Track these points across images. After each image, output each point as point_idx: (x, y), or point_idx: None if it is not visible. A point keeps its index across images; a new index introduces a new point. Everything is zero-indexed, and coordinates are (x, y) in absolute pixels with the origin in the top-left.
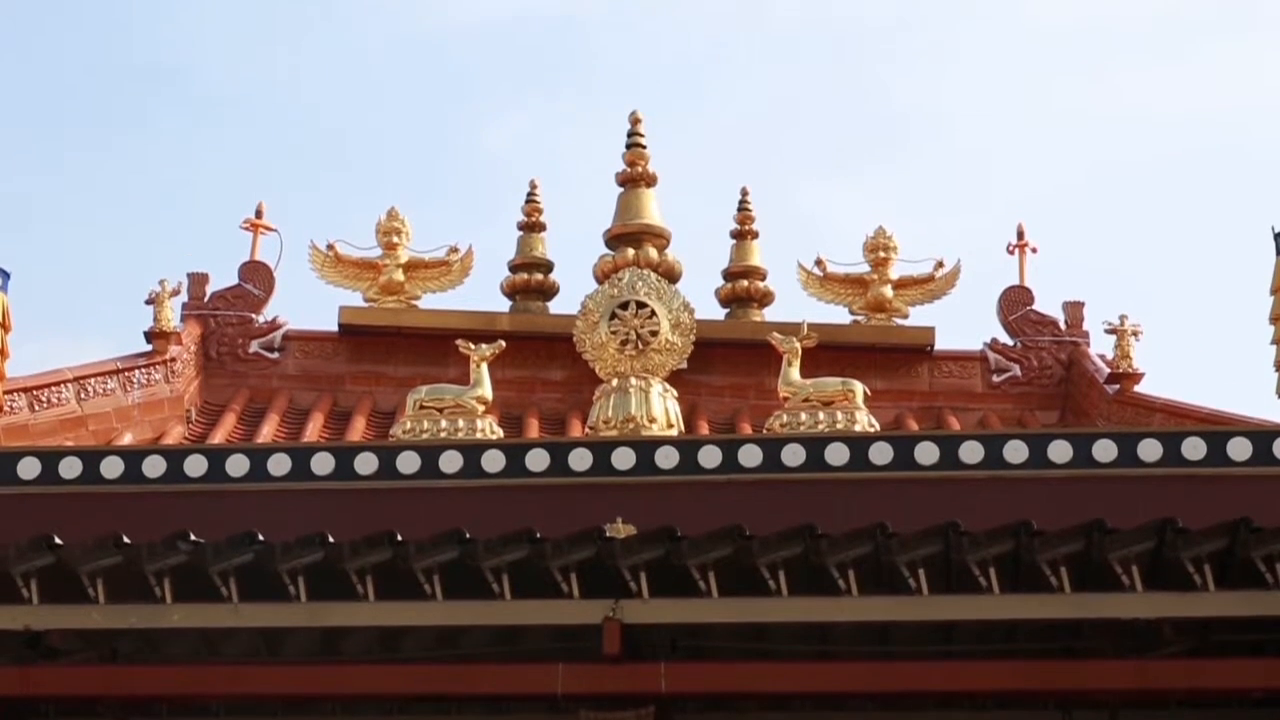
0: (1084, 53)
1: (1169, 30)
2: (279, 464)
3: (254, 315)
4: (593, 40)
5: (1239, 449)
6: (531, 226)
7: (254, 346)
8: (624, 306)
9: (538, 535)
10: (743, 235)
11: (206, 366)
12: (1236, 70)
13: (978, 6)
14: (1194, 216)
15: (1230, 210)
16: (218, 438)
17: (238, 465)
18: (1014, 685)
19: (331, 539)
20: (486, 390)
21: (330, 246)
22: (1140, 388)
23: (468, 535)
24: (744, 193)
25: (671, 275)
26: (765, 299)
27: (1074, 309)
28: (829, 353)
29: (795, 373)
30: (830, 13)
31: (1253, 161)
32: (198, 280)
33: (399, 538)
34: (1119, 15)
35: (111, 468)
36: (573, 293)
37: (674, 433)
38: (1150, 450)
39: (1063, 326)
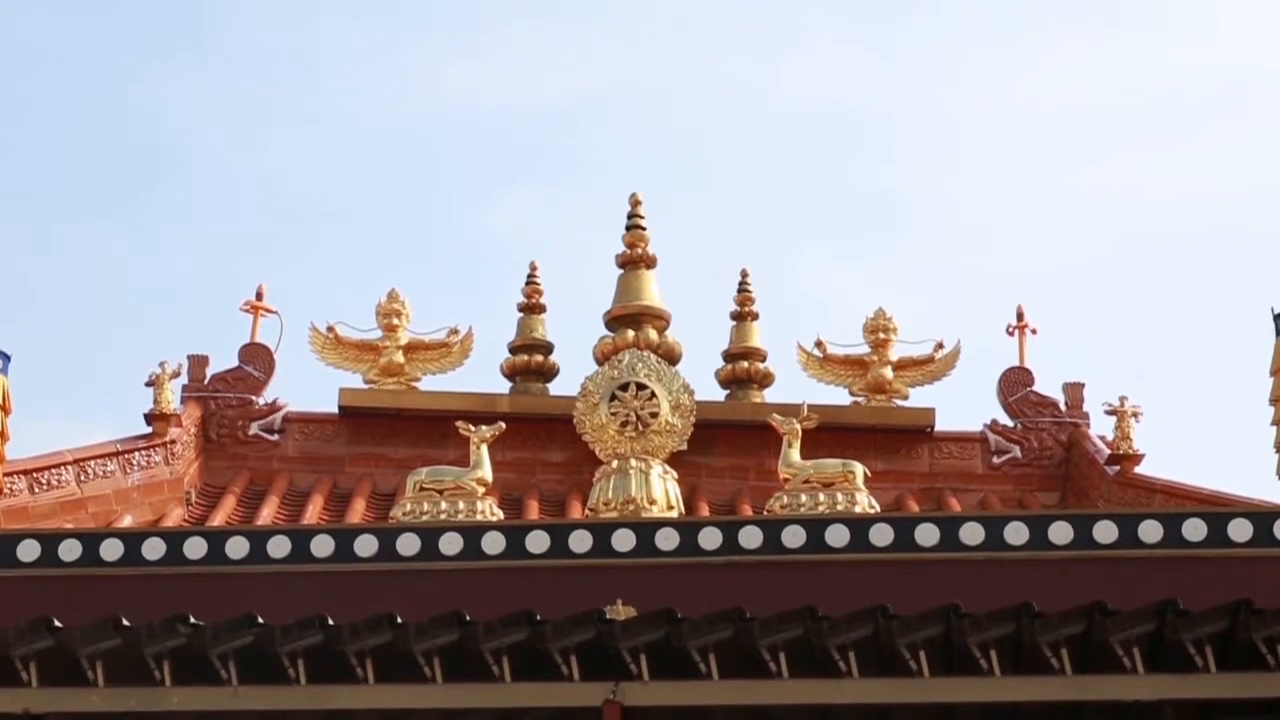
0: (1079, 137)
1: (1163, 114)
2: (279, 546)
3: (254, 397)
4: (593, 123)
5: (1240, 530)
6: (532, 308)
7: (254, 428)
8: (624, 388)
9: (538, 617)
10: (743, 317)
11: (206, 448)
12: (1232, 152)
13: (973, 92)
14: (1193, 297)
15: (1229, 291)
16: (218, 520)
17: (237, 547)
18: None
19: (331, 621)
20: (486, 472)
21: (330, 328)
22: (1141, 469)
23: (468, 617)
24: (744, 274)
25: (671, 357)
26: (765, 380)
27: (1074, 390)
28: (829, 434)
29: (795, 454)
30: (830, 97)
31: (1251, 243)
32: (198, 362)
33: (399, 620)
34: (1112, 101)
35: (111, 550)
36: (573, 374)
37: (674, 514)
38: (1151, 531)
39: (1063, 408)
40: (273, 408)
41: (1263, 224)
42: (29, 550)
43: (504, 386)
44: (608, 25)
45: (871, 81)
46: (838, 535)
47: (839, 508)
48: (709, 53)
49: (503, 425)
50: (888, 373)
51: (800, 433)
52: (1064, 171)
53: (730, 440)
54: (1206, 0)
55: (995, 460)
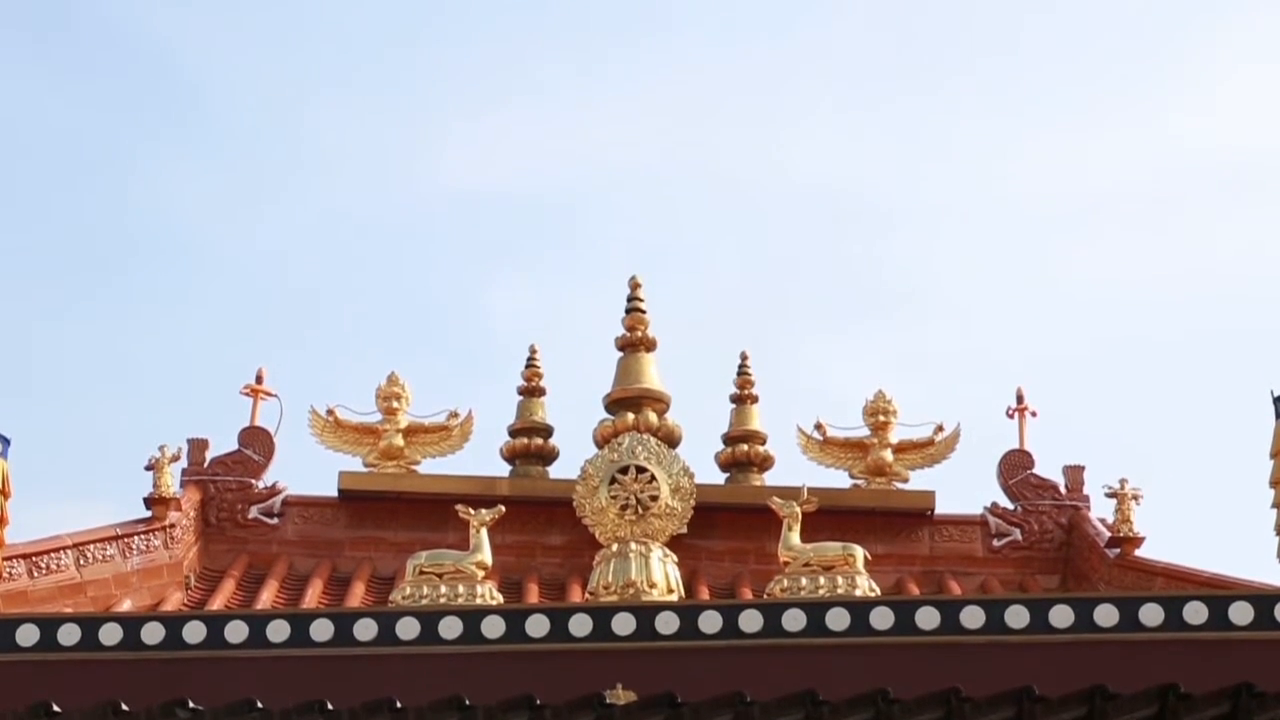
0: (1077, 219)
1: (1161, 197)
2: (278, 630)
3: (253, 481)
4: (591, 206)
5: (1241, 613)
6: (531, 391)
7: (253, 512)
8: (624, 471)
9: (538, 702)
10: (742, 400)
11: (206, 532)
12: (1231, 235)
13: (970, 174)
14: (1193, 379)
15: (1229, 373)
16: (217, 604)
17: (236, 631)
18: None
19: (331, 706)
20: (486, 555)
21: (330, 412)
22: (1141, 552)
23: (468, 702)
24: (743, 357)
25: (671, 440)
26: (765, 463)
27: (1074, 473)
28: (829, 517)
29: (795, 537)
30: (827, 179)
31: (1251, 325)
32: (197, 446)
33: (399, 704)
34: (1110, 184)
35: (110, 634)
36: (572, 457)
37: (674, 598)
38: (1152, 615)
39: (1063, 490)
40: (272, 491)
41: (1263, 306)
42: (28, 635)
43: (504, 470)
44: (603, 109)
45: (868, 164)
46: (838, 619)
47: (839, 591)
48: (706, 136)
49: (502, 509)
50: (888, 456)
51: (800, 516)
52: (1062, 253)
53: (730, 523)
54: (1204, 81)
55: (996, 543)
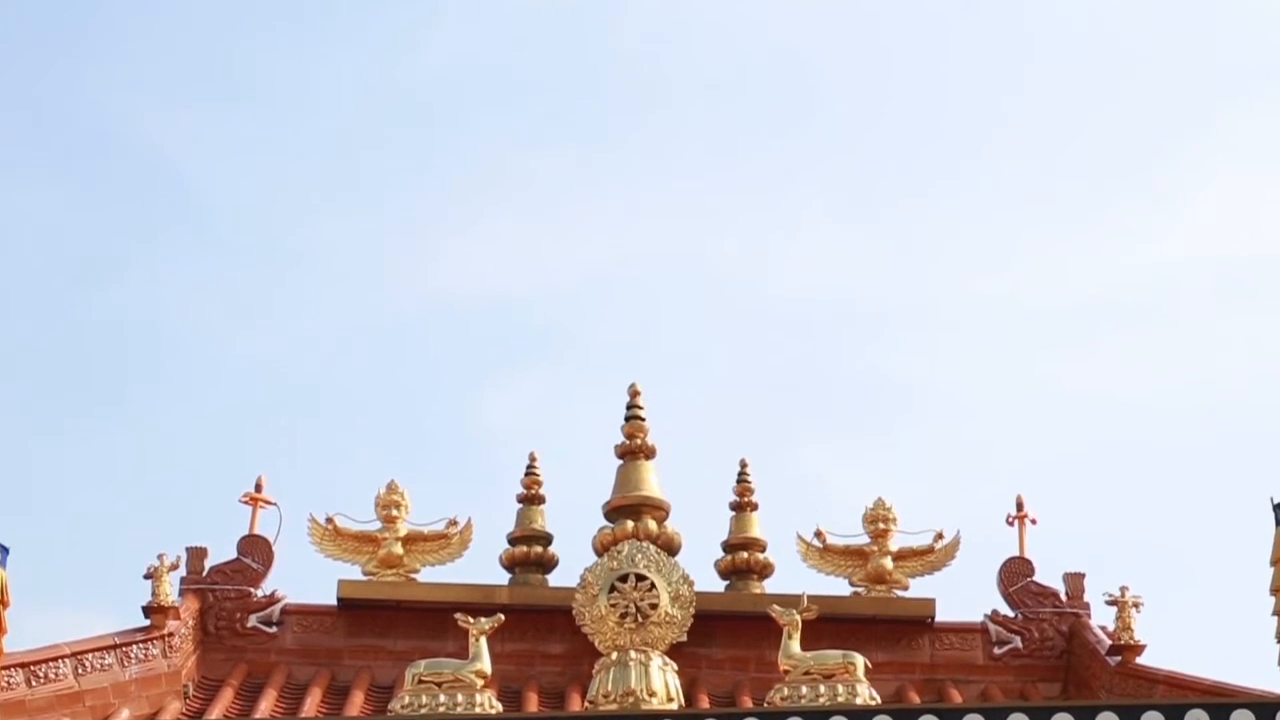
0: (1073, 325)
1: (1163, 304)
2: None
3: (252, 589)
4: (588, 311)
5: None
6: (531, 499)
7: (252, 621)
8: (623, 579)
9: None
10: (742, 507)
11: (204, 641)
12: (1226, 341)
13: (965, 280)
14: (1192, 486)
15: (1228, 480)
16: (215, 713)
17: None
18: None
19: None
20: (485, 664)
21: (329, 520)
22: (1142, 659)
23: None
24: (743, 464)
25: (671, 547)
26: (765, 570)
27: (1074, 580)
28: (829, 625)
29: (796, 645)
30: (823, 284)
31: (1249, 431)
32: (196, 554)
33: None
34: (1104, 290)
35: None
36: (572, 565)
37: (674, 707)
38: None
39: (1064, 598)
40: (271, 600)
41: (1260, 412)
42: None
43: (503, 578)
44: (597, 212)
45: (863, 270)
46: None
47: (840, 700)
48: (699, 240)
49: (502, 617)
50: (888, 563)
51: (800, 624)
52: (1059, 358)
53: (730, 631)
54: (1196, 189)
55: (996, 651)
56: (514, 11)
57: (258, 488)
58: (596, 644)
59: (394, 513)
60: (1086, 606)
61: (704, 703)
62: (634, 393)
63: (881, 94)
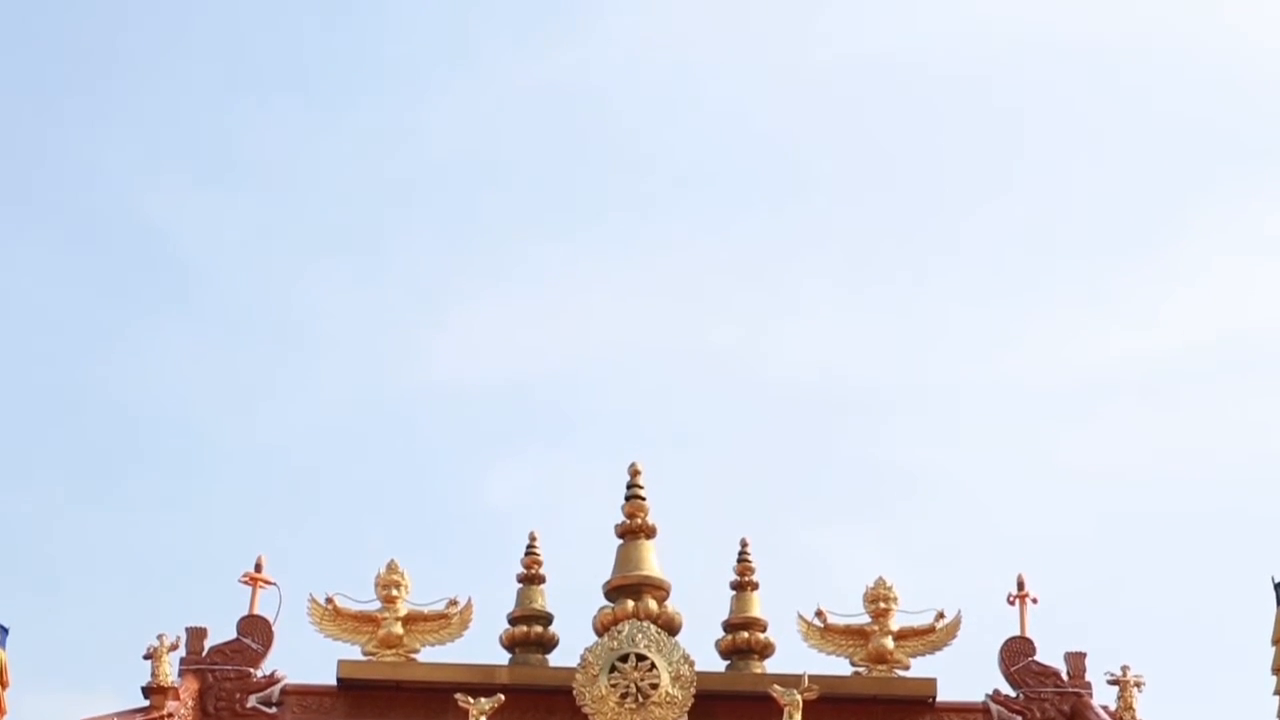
0: (1073, 404)
1: (1162, 383)
2: None
3: (252, 670)
4: (588, 390)
5: None
6: (531, 579)
7: (252, 701)
8: (624, 659)
9: None
10: (743, 586)
11: None
12: (1227, 419)
13: (966, 359)
14: (1193, 565)
15: (1229, 558)
16: None
17: None
18: None
19: None
20: None
21: (329, 600)
22: None
23: None
24: (743, 544)
25: (671, 627)
26: (766, 650)
27: (1076, 660)
28: (831, 705)
29: None
30: (824, 363)
31: (1250, 509)
32: (196, 634)
33: None
34: (1104, 369)
35: None
36: (572, 645)
37: None
38: None
39: (1065, 677)
40: (271, 680)
41: (1261, 489)
42: None
43: (504, 658)
44: (595, 290)
45: (864, 350)
46: None
47: None
48: (702, 319)
49: (502, 697)
50: (889, 642)
51: (802, 704)
52: (1060, 438)
53: (731, 711)
54: (1196, 267)
55: None
56: (508, 97)
57: (257, 567)
58: None
59: (394, 592)
60: (1088, 686)
61: None
62: (634, 472)
63: (876, 177)
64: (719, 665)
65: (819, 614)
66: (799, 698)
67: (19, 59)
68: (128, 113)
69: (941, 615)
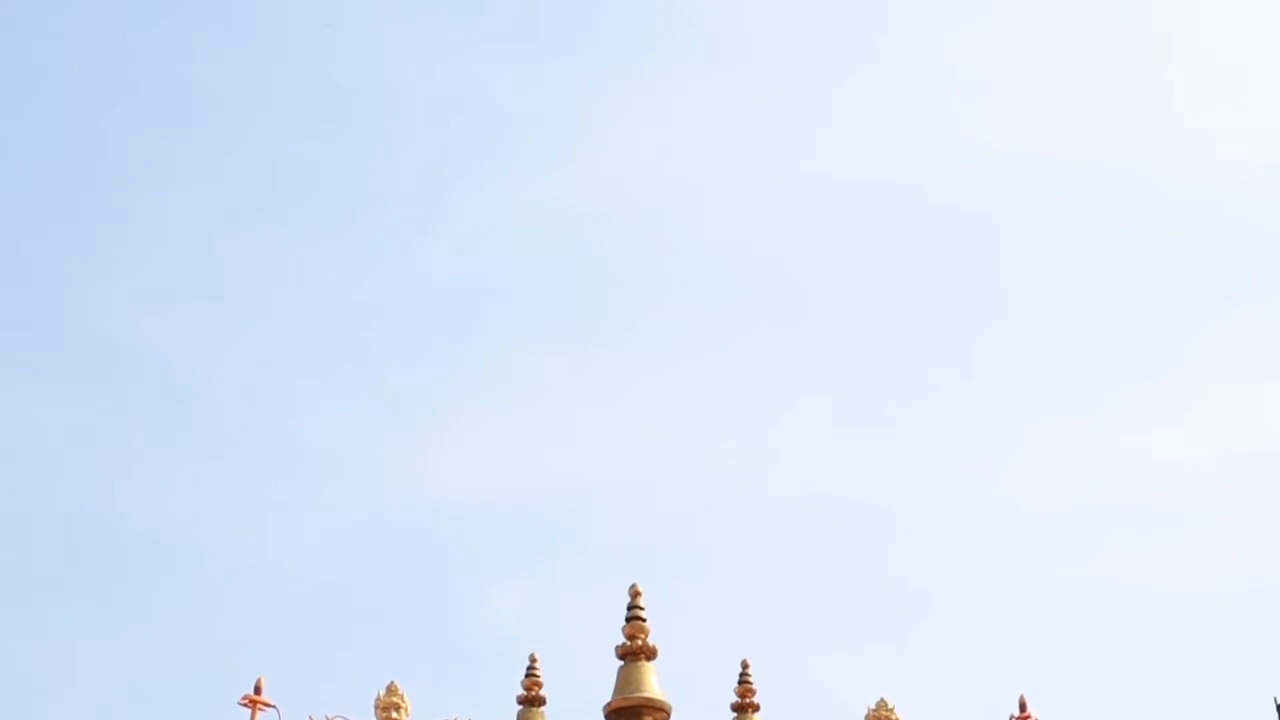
0: (1075, 524)
1: (1164, 504)
2: None
3: None
4: (589, 510)
5: None
6: (531, 700)
7: None
8: None
9: None
10: (744, 708)
11: None
12: (1228, 539)
13: (968, 487)
14: (1196, 683)
15: (1231, 677)
16: None
17: None
18: None
19: None
20: None
21: None
22: None
23: None
24: (744, 665)
25: None
26: None
27: None
28: None
29: None
30: (826, 484)
31: (1252, 628)
32: None
33: None
34: (1112, 494)
35: None
36: None
37: None
38: None
39: None
40: None
41: (1263, 609)
42: None
43: None
44: (597, 411)
45: (864, 468)
46: None
47: None
48: (702, 436)
49: None
50: None
51: None
52: (1062, 558)
53: None
54: (1197, 393)
55: None
56: (504, 216)
57: (257, 689)
58: None
59: (394, 714)
60: None
61: None
62: (635, 593)
63: (873, 298)
64: None
65: None
66: None
67: (9, 189)
68: (122, 238)
69: None
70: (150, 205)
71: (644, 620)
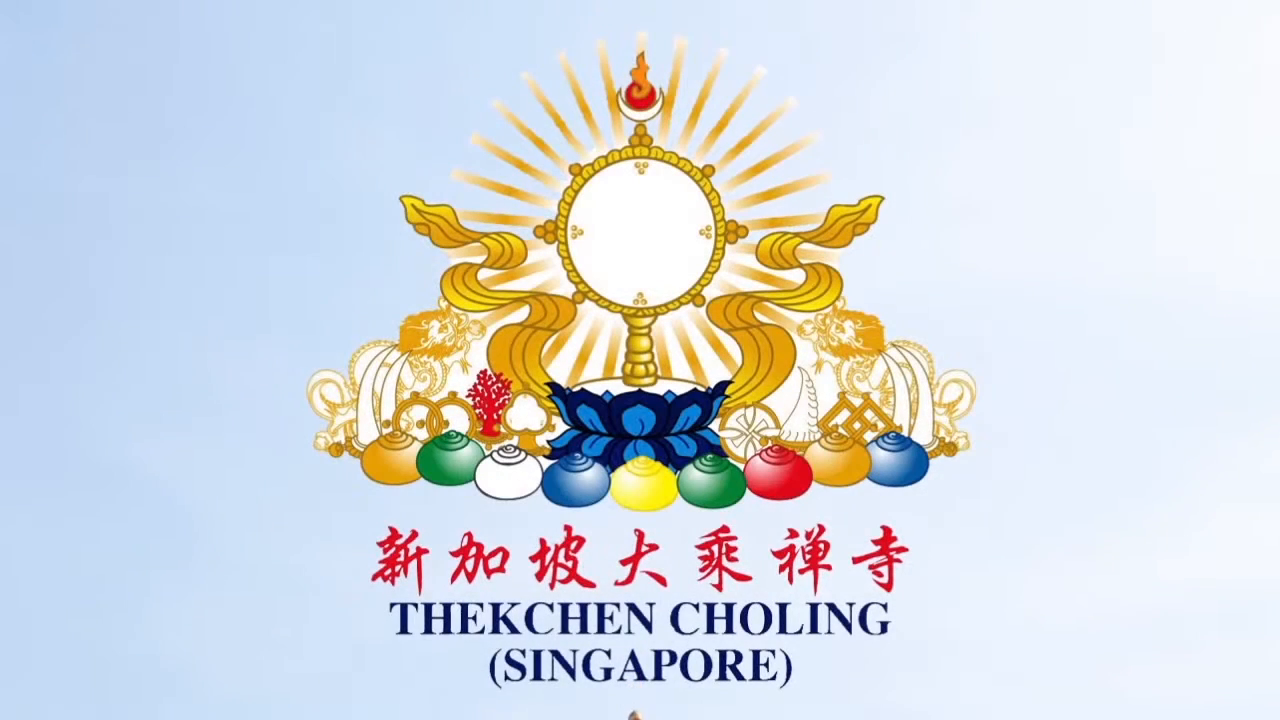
0: (1086, 650)
1: (1167, 632)
2: None
3: None
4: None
5: None
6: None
7: None
8: None
9: None
10: None
11: None
12: (1244, 669)
13: (968, 620)
14: None
15: None
16: None
17: None
18: None
19: None
20: None
21: None
22: None
23: None
24: None
25: None
26: None
27: None
28: None
29: None
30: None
31: None
32: None
33: None
34: (1112, 623)
35: None
36: None
37: None
38: None
39: None
40: None
41: None
42: None
43: None
44: None
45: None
46: None
47: None
48: None
49: None
50: None
51: None
52: (1071, 683)
53: None
54: (1201, 519)
55: None
56: None
57: None
58: None
59: None
60: None
61: None
62: None
63: None
64: None
65: None
66: None
67: None
68: (115, 358)
69: None
70: (152, 327)
71: None
